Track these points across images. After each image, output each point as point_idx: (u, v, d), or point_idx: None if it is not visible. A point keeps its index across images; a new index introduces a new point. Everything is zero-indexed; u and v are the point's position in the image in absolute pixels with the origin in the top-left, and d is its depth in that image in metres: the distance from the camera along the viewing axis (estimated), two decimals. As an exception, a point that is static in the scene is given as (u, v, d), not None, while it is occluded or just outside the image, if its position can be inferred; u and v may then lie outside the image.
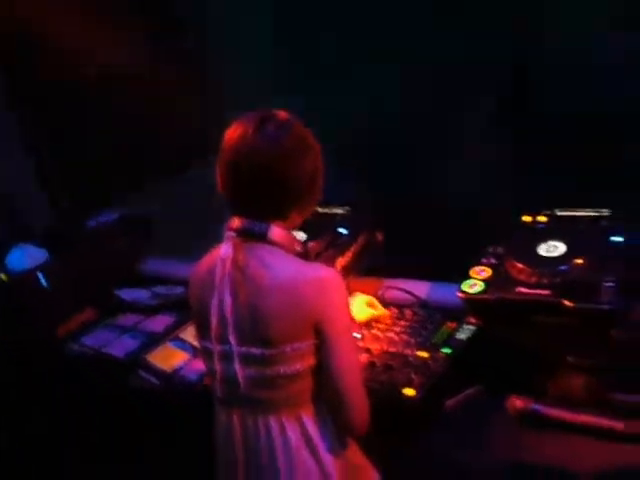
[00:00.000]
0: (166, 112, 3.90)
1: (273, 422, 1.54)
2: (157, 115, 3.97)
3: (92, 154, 3.77)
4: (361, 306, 2.15)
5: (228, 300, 1.51)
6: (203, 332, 1.60)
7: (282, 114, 1.53)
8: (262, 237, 1.51)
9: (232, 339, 1.51)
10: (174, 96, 3.95)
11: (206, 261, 1.63)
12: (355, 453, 1.62)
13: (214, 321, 1.54)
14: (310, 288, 1.47)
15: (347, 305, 1.54)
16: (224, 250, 1.53)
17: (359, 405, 1.52)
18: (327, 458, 1.55)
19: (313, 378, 1.53)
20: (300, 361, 1.50)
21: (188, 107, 3.98)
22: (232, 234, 1.53)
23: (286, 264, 1.51)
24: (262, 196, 1.50)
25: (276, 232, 1.52)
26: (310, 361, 1.51)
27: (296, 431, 1.54)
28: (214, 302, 1.54)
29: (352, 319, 1.55)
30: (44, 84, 3.60)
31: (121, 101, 3.78)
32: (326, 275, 1.51)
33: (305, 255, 1.60)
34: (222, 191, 1.54)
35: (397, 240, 2.42)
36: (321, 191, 1.59)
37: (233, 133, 1.51)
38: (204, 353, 1.64)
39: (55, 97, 3.67)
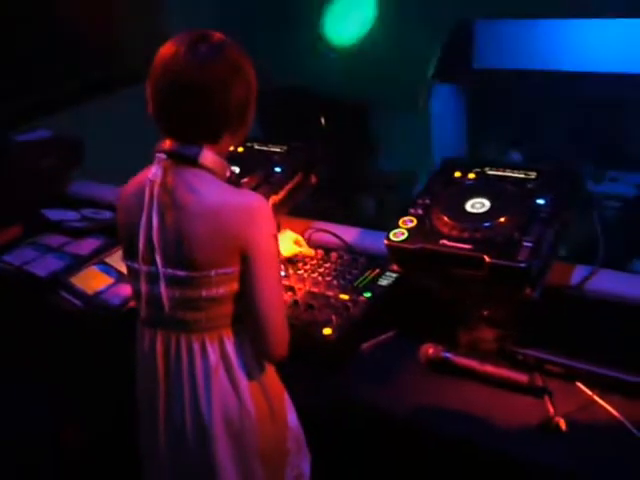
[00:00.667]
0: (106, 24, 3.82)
1: (195, 342, 1.56)
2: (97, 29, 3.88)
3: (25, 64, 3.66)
4: (288, 242, 2.17)
5: (155, 222, 1.50)
6: (130, 253, 1.59)
7: (217, 35, 1.50)
8: (193, 161, 1.50)
9: (158, 260, 1.51)
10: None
11: (134, 182, 1.61)
12: (272, 379, 1.66)
13: (141, 242, 1.53)
14: (237, 214, 1.48)
15: (274, 234, 1.54)
16: (153, 172, 1.51)
17: (279, 332, 1.55)
18: (242, 380, 1.59)
19: (236, 303, 1.56)
20: (223, 286, 1.52)
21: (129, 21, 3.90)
22: (162, 156, 1.51)
23: (214, 189, 1.50)
24: (191, 118, 1.48)
25: (207, 156, 1.50)
26: (234, 287, 1.53)
27: (216, 351, 1.57)
28: (142, 223, 1.52)
29: (278, 248, 1.57)
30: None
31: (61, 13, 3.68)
32: (253, 201, 1.52)
33: (235, 182, 1.60)
34: (151, 112, 1.52)
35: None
36: (253, 117, 1.58)
37: (164, 52, 1.48)
38: (131, 274, 1.64)
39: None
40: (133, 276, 1.62)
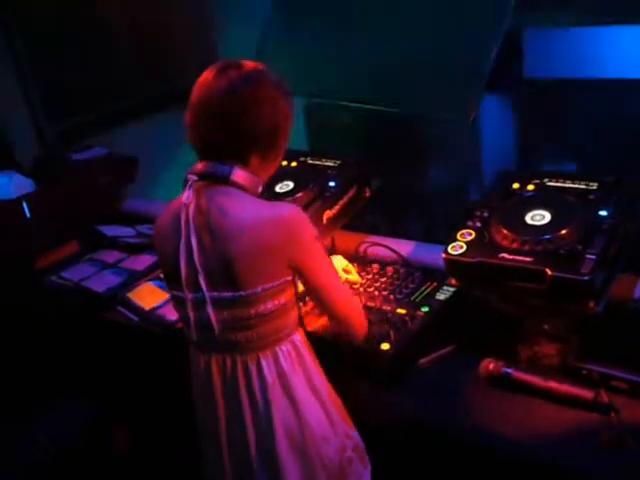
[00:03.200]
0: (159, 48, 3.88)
1: (250, 362, 1.57)
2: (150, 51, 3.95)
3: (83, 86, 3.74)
4: (337, 269, 2.14)
5: (195, 245, 1.51)
6: (173, 281, 1.60)
7: (250, 64, 1.53)
8: (224, 180, 1.51)
9: (203, 284, 1.51)
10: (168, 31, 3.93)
11: (169, 210, 1.62)
12: (328, 390, 1.67)
13: (183, 269, 1.53)
14: (276, 229, 1.49)
15: (315, 235, 1.55)
16: (186, 195, 1.52)
17: (356, 318, 1.69)
18: (300, 395, 1.59)
19: (286, 316, 1.57)
20: (272, 300, 1.52)
21: (180, 42, 3.95)
22: (194, 178, 1.52)
23: (248, 206, 1.51)
24: (218, 140, 1.50)
25: (238, 174, 1.51)
26: (282, 299, 1.54)
27: (271, 370, 1.57)
28: (181, 249, 1.53)
29: (323, 246, 1.58)
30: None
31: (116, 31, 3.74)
32: (289, 213, 1.52)
33: (268, 197, 1.61)
34: (187, 134, 1.55)
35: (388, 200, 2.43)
36: (286, 144, 1.60)
37: (199, 79, 1.52)
38: (176, 302, 1.64)
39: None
40: (179, 303, 1.63)
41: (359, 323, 1.70)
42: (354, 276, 2.18)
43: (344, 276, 2.15)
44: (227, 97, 1.47)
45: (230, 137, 1.50)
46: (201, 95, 1.50)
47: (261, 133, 1.51)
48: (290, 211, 1.53)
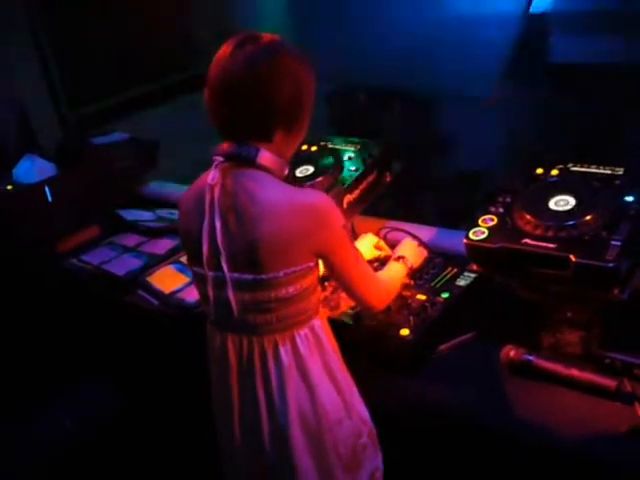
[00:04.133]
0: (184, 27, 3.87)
1: (267, 344, 1.56)
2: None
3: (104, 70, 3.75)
4: (369, 246, 2.15)
5: (218, 226, 1.48)
6: (194, 258, 1.58)
7: (268, 36, 1.49)
8: (250, 161, 1.48)
9: (224, 265, 1.50)
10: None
11: (194, 188, 1.60)
12: (343, 375, 1.65)
13: (205, 248, 1.51)
14: (304, 215, 1.47)
15: (342, 224, 1.54)
16: (212, 176, 1.49)
17: (378, 295, 1.70)
18: (316, 379, 1.58)
19: (306, 299, 1.55)
20: (293, 285, 1.51)
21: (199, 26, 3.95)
22: (220, 159, 1.49)
23: (276, 190, 1.49)
24: (239, 116, 1.47)
25: (265, 156, 1.48)
26: (303, 284, 1.52)
27: (288, 353, 1.56)
28: (205, 229, 1.51)
29: (349, 234, 1.58)
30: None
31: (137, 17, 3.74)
32: (318, 200, 1.51)
33: (291, 180, 1.58)
34: (208, 114, 1.52)
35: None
36: (308, 117, 1.56)
37: (217, 54, 1.49)
38: (197, 278, 1.63)
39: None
40: (199, 280, 1.62)
41: (376, 303, 1.71)
42: (386, 251, 2.16)
43: (376, 253, 2.14)
44: (246, 71, 1.43)
45: (252, 113, 1.46)
46: (219, 72, 1.47)
47: (283, 106, 1.47)
48: (320, 198, 1.51)
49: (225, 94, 1.46)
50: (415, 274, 2.06)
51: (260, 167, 1.49)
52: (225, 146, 1.50)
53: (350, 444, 1.63)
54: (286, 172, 1.55)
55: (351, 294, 1.68)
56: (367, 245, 2.15)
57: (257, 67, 1.44)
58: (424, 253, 2.13)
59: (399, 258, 1.95)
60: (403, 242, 2.10)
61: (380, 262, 2.11)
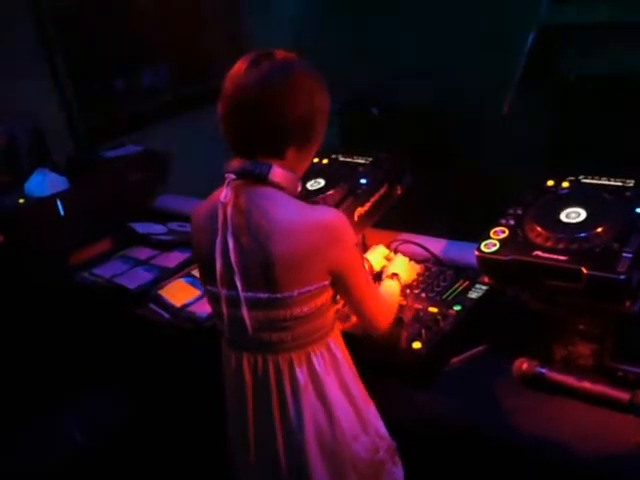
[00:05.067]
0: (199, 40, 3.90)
1: (282, 363, 1.55)
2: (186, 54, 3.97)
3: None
4: (379, 258, 2.15)
5: (231, 245, 1.47)
6: (208, 277, 1.58)
7: (281, 53, 1.49)
8: (263, 179, 1.47)
9: (238, 284, 1.49)
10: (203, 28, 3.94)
11: (206, 205, 1.59)
12: (359, 391, 1.65)
13: (219, 266, 1.50)
14: (318, 234, 1.46)
15: (355, 243, 1.55)
16: (224, 194, 1.48)
17: (383, 316, 1.70)
18: (332, 396, 1.57)
19: (321, 317, 1.55)
20: (308, 304, 1.50)
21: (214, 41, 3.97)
22: (232, 176, 1.49)
23: (290, 208, 1.48)
24: (252, 133, 1.47)
25: (277, 173, 1.47)
26: (318, 302, 1.52)
27: (304, 371, 1.55)
28: (217, 247, 1.50)
29: (361, 252, 1.58)
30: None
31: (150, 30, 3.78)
32: (332, 218, 1.50)
33: (305, 197, 1.58)
34: (221, 129, 1.51)
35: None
36: (322, 135, 1.56)
37: (231, 71, 1.49)
38: (210, 297, 1.63)
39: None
40: (213, 299, 1.61)
41: (382, 323, 1.71)
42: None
43: (385, 264, 2.14)
44: (260, 89, 1.43)
45: (265, 131, 1.46)
46: (234, 88, 1.47)
47: (296, 124, 1.47)
48: (334, 216, 1.51)
49: (239, 111, 1.46)
50: (427, 286, 2.07)
51: (272, 184, 1.48)
52: (237, 163, 1.50)
53: (367, 459, 1.63)
54: (299, 189, 1.55)
55: (360, 313, 1.67)
56: (378, 257, 2.15)
57: (272, 85, 1.44)
58: (416, 269, 2.14)
59: (393, 275, 1.94)
60: (395, 259, 2.11)
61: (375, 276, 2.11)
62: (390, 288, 1.89)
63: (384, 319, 1.71)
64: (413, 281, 2.12)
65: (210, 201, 1.58)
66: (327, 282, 1.52)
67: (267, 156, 1.49)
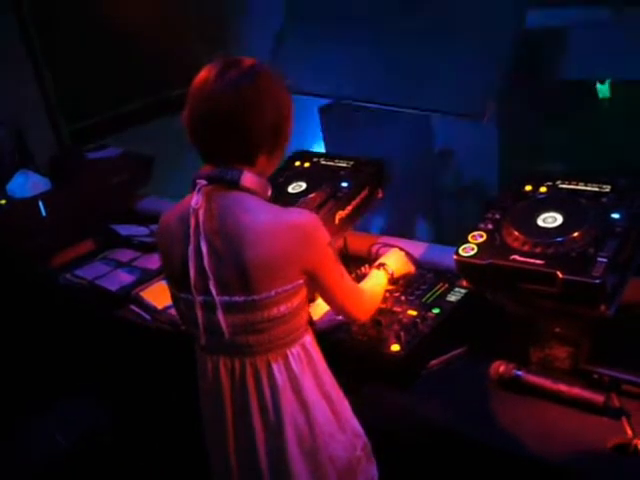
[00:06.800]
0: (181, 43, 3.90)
1: (260, 365, 1.55)
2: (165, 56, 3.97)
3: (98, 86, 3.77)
4: (400, 262, 2.10)
5: (205, 250, 1.47)
6: (180, 284, 1.56)
7: (248, 61, 1.50)
8: (234, 184, 1.48)
9: (213, 289, 1.49)
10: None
11: (175, 212, 1.58)
12: (335, 390, 1.66)
13: (192, 272, 1.50)
14: (292, 235, 1.48)
15: (328, 242, 1.56)
16: (195, 200, 1.48)
17: (361, 308, 1.75)
18: (310, 396, 1.58)
19: (297, 317, 1.56)
20: (284, 303, 1.51)
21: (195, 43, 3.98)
22: (203, 182, 1.49)
23: (262, 211, 1.49)
24: (222, 142, 1.48)
25: (248, 178, 1.49)
26: (294, 302, 1.53)
27: (282, 372, 1.56)
28: (190, 253, 1.49)
29: (334, 251, 1.59)
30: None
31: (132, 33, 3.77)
32: (305, 220, 1.52)
33: (286, 200, 1.59)
34: (189, 137, 1.51)
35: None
36: (289, 138, 1.57)
37: (197, 78, 1.49)
38: (183, 304, 1.60)
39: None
40: (186, 306, 1.59)
41: (361, 315, 1.76)
42: (412, 267, 2.16)
43: (410, 267, 2.14)
44: (232, 97, 1.44)
45: (235, 139, 1.47)
46: (200, 94, 1.47)
47: (268, 131, 1.49)
48: (306, 217, 1.52)
49: (211, 119, 1.46)
50: (407, 289, 2.08)
51: (244, 189, 1.49)
52: (207, 169, 1.51)
53: (345, 458, 1.64)
54: (269, 192, 1.56)
55: (336, 309, 1.71)
56: (399, 261, 2.10)
57: (243, 92, 1.45)
58: (410, 264, 2.15)
59: (380, 266, 1.97)
60: (391, 251, 2.13)
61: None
62: (375, 278, 1.91)
63: (363, 311, 1.76)
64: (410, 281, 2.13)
65: (179, 207, 1.57)
66: (302, 281, 1.54)
67: (238, 162, 1.50)
